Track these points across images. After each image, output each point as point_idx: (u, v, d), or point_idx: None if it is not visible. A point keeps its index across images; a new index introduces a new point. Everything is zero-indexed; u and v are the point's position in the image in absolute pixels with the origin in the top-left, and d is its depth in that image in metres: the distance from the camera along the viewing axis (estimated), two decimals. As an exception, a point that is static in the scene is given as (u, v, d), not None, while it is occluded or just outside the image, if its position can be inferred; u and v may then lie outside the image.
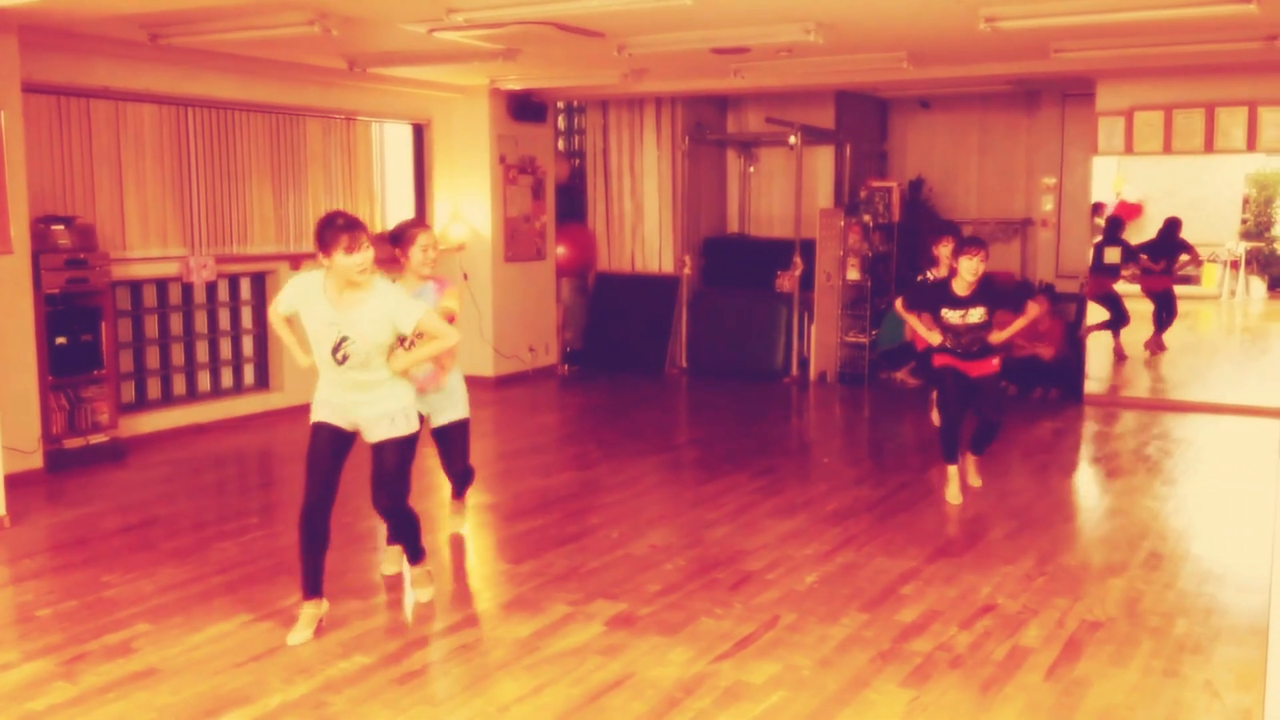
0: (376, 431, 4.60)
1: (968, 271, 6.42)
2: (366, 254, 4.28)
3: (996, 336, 6.63)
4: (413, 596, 5.01)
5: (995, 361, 6.69)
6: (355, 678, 4.13)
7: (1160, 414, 9.29)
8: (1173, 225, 12.13)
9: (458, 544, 5.93)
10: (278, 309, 4.62)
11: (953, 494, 6.69)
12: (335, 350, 4.40)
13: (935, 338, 6.63)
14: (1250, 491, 6.85)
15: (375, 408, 4.56)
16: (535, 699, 3.95)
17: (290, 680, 4.10)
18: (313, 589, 4.59)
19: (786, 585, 5.11)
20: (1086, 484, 7.55)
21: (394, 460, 4.64)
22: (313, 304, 4.41)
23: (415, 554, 4.98)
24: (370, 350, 4.40)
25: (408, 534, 4.91)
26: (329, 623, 4.64)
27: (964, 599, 4.94)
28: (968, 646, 4.41)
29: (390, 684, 4.09)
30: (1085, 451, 8.43)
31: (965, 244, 6.51)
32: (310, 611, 4.57)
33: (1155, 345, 12.13)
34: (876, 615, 4.74)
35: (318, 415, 4.64)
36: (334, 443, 4.61)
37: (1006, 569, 5.34)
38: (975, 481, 6.95)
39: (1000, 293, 6.78)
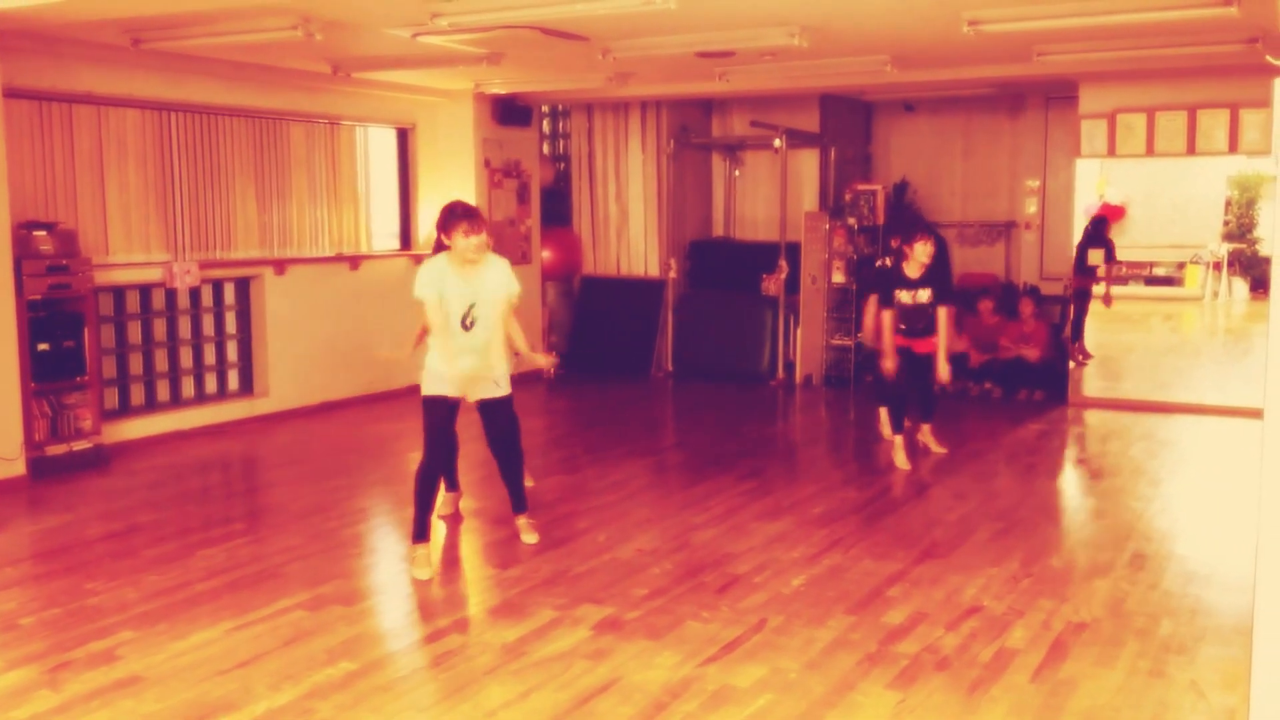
0: (481, 391, 5.52)
1: (923, 254, 7.31)
2: (481, 236, 5.28)
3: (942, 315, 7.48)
4: (525, 539, 5.82)
5: (935, 341, 7.50)
6: (341, 684, 4.12)
7: (1144, 415, 9.33)
8: (1099, 223, 11.86)
9: (445, 546, 5.92)
10: (429, 293, 5.30)
11: (902, 460, 7.43)
12: (465, 317, 5.33)
13: (877, 323, 7.57)
14: (1234, 492, 6.88)
15: (482, 372, 5.44)
16: (522, 704, 3.94)
17: (276, 687, 4.08)
18: (424, 534, 5.43)
19: (773, 588, 5.11)
20: (1071, 485, 7.58)
21: (505, 417, 5.66)
22: (447, 280, 5.30)
23: (520, 504, 5.86)
24: (493, 313, 5.37)
25: (518, 479, 5.82)
26: (314, 628, 4.63)
27: (950, 601, 4.95)
28: (954, 648, 4.41)
29: (376, 690, 4.08)
30: (1070, 453, 8.46)
31: (920, 231, 7.42)
32: (425, 551, 5.40)
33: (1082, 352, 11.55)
34: (863, 618, 4.74)
35: (432, 389, 5.46)
36: (449, 412, 5.54)
37: (992, 571, 5.35)
38: (939, 448, 7.72)
39: (946, 274, 7.68)
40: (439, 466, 5.61)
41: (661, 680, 4.12)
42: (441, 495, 6.34)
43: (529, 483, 6.44)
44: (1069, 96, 10.00)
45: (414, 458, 7.91)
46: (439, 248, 5.46)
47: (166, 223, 8.44)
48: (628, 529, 6.10)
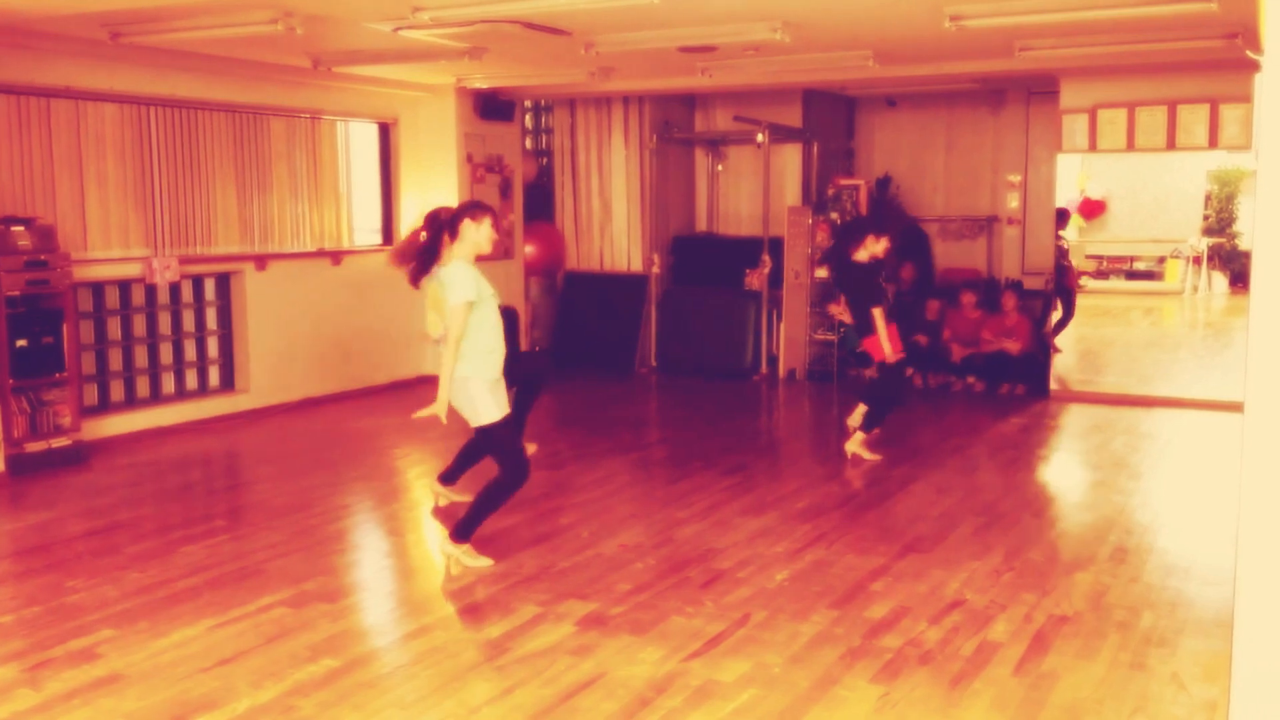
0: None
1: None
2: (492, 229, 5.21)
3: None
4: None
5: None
6: (324, 681, 4.10)
7: (1125, 409, 9.38)
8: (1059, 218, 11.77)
9: (430, 541, 5.90)
10: (470, 297, 5.00)
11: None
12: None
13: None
14: (1214, 485, 6.93)
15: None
16: (506, 700, 3.94)
17: (258, 684, 4.07)
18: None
19: (757, 583, 5.12)
20: (1053, 479, 7.61)
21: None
22: (483, 282, 5.11)
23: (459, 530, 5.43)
24: None
25: (473, 503, 5.43)
26: (296, 625, 4.61)
27: (933, 595, 4.96)
28: (937, 642, 4.43)
29: (359, 687, 4.06)
30: (1051, 447, 8.49)
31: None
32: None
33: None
34: (846, 612, 4.75)
35: (503, 409, 5.28)
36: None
37: (974, 564, 5.37)
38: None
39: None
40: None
41: (645, 676, 4.12)
42: (438, 487, 6.41)
43: (531, 447, 6.09)
44: (1050, 91, 10.03)
45: (397, 454, 7.93)
46: (433, 248, 5.16)
47: (146, 218, 8.38)
48: (611, 525, 6.10)
